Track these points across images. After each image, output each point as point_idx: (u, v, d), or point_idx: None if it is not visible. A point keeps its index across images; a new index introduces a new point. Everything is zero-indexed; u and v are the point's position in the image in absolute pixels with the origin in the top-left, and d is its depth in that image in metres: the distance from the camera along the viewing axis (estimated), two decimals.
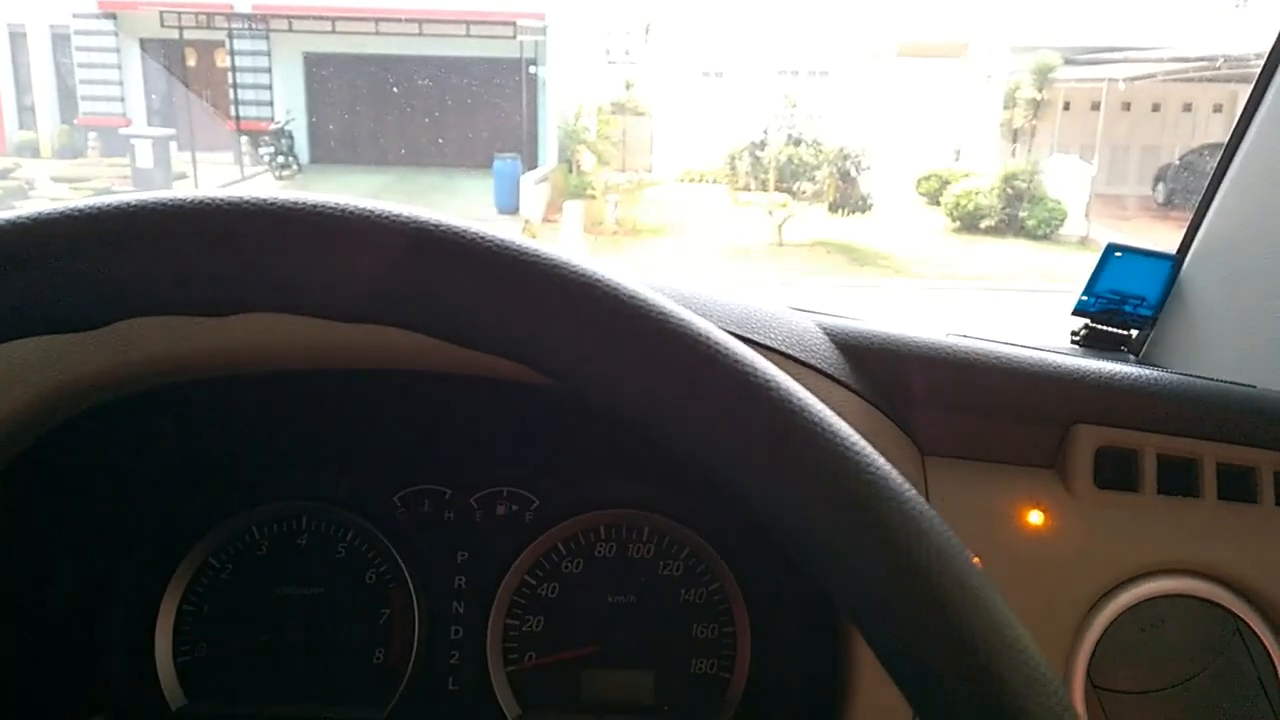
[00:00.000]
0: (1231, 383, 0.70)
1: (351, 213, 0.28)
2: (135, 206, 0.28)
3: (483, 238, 0.29)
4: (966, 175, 8.22)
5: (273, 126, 7.76)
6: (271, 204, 0.28)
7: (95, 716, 0.67)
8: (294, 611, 0.71)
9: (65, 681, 0.67)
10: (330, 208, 0.28)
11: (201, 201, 0.28)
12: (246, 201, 0.29)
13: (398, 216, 0.29)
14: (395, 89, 7.99)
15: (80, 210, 0.28)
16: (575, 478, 0.74)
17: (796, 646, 0.70)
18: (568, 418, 0.67)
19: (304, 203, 0.29)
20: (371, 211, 0.29)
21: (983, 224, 7.75)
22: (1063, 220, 7.70)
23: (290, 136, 7.82)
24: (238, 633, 0.71)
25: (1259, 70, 0.80)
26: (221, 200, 0.29)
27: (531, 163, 7.62)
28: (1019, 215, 7.71)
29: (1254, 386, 0.70)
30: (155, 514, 0.71)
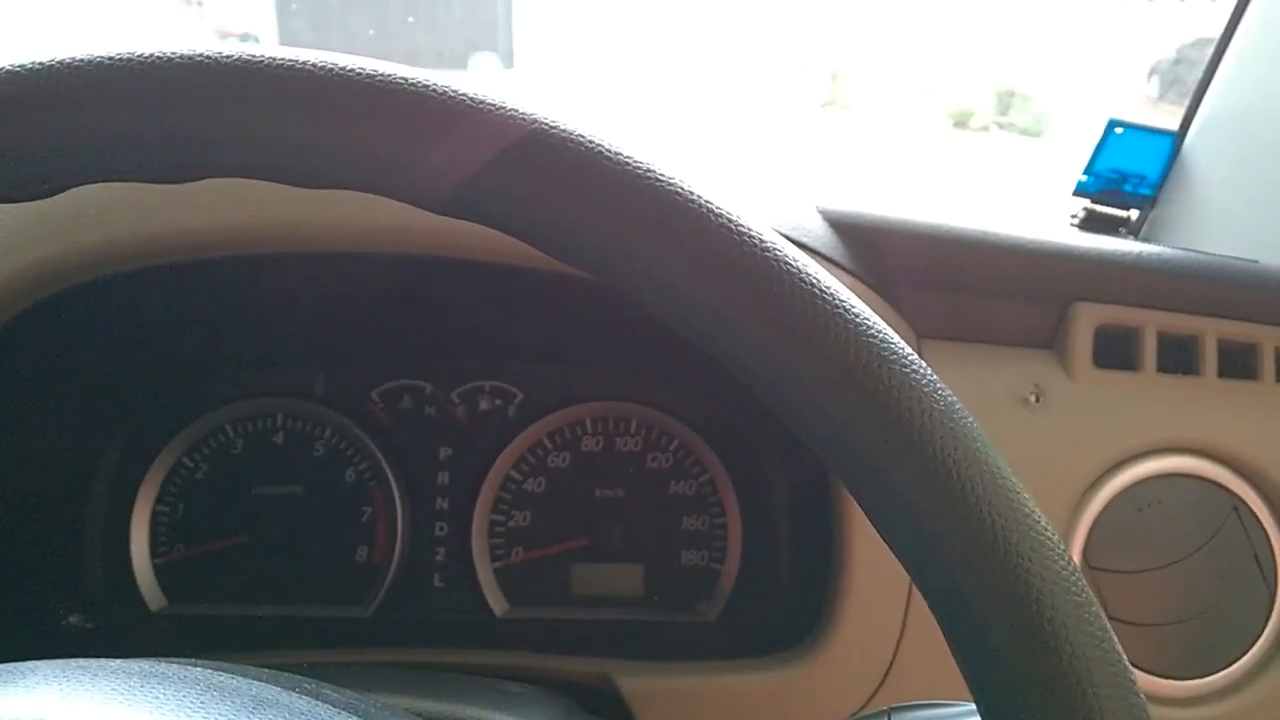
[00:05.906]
0: (1234, 258, 0.68)
1: (461, 96, 0.25)
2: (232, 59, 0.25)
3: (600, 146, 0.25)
4: (959, 72, 8.02)
5: (239, 32, 7.45)
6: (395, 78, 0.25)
7: (74, 616, 0.66)
8: (272, 511, 0.70)
9: (44, 580, 0.66)
10: (439, 87, 0.25)
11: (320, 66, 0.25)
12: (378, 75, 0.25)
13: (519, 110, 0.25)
14: None
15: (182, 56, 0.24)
16: (560, 370, 0.72)
17: (788, 537, 0.70)
18: (552, 307, 0.64)
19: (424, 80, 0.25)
20: (487, 99, 0.25)
21: (972, 122, 7.62)
22: (1053, 117, 7.56)
23: (256, 40, 7.53)
24: (215, 533, 0.70)
25: None
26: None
27: (510, 60, 7.35)
28: (1009, 111, 7.57)
29: (1256, 261, 0.68)
30: (123, 412, 0.69)
